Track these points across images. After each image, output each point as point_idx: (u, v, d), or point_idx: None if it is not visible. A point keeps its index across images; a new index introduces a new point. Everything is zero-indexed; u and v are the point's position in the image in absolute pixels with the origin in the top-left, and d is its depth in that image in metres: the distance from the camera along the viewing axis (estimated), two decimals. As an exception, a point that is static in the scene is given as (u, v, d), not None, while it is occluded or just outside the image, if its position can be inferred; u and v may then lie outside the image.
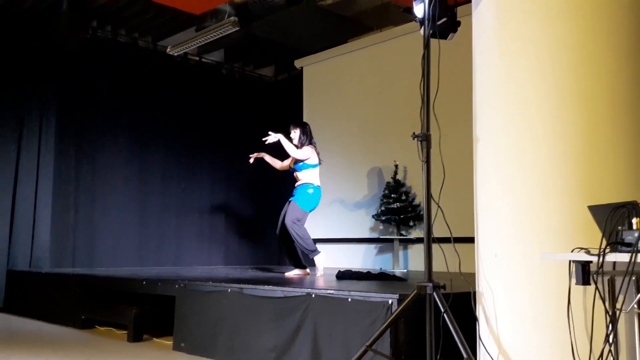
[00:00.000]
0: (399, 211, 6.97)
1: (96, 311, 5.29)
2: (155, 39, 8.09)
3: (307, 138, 5.51)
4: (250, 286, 3.84)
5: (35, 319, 5.80)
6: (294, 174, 5.56)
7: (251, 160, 5.72)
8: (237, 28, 6.70)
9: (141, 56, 7.95)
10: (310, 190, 5.40)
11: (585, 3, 2.56)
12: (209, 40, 7.13)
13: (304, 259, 5.45)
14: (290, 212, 5.33)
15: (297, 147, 5.46)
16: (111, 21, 7.62)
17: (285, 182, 8.85)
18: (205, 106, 8.45)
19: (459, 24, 3.02)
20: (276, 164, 5.76)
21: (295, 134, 5.53)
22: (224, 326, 3.90)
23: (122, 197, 7.57)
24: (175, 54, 7.78)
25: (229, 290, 3.95)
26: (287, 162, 5.71)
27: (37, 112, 7.08)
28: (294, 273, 5.36)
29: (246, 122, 8.77)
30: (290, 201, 5.43)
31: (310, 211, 5.46)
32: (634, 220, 2.01)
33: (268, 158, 5.72)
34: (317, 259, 5.33)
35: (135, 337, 4.61)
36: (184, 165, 8.26)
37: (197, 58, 8.56)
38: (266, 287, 3.74)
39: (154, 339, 4.69)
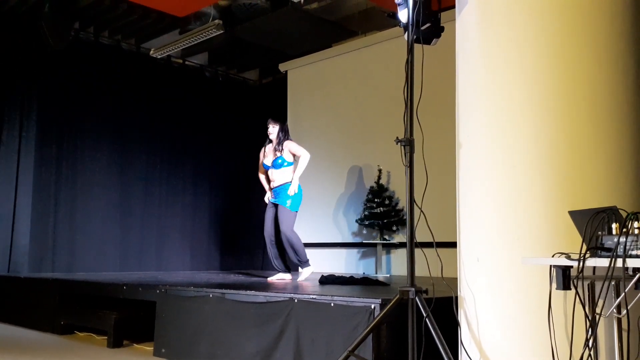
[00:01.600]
0: (382, 216, 6.98)
1: (76, 316, 5.21)
2: (138, 41, 8.03)
3: (285, 135, 5.40)
4: (232, 291, 3.81)
5: (14, 324, 5.70)
6: (269, 171, 5.40)
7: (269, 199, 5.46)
8: (221, 31, 6.68)
9: (124, 58, 7.89)
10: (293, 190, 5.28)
11: (568, 7, 2.58)
12: (192, 43, 7.10)
13: (289, 262, 5.41)
14: (285, 220, 5.20)
15: (276, 142, 5.35)
16: (94, 23, 7.55)
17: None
18: (188, 109, 8.40)
19: (442, 29, 3.04)
20: (264, 180, 5.55)
21: (274, 129, 5.40)
22: (206, 332, 3.87)
23: (103, 201, 7.48)
24: (159, 57, 7.73)
25: (211, 296, 3.91)
26: (264, 169, 5.53)
27: (17, 114, 6.98)
28: (277, 278, 5.32)
29: (230, 125, 8.74)
30: (277, 205, 5.30)
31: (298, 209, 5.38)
32: (614, 226, 2.03)
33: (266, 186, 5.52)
34: (306, 269, 5.29)
35: (115, 342, 4.54)
36: (166, 168, 8.20)
37: (181, 61, 8.52)
38: (248, 292, 3.71)
39: (135, 344, 4.63)
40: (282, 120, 5.59)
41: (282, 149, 5.33)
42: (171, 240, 8.14)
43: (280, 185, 5.32)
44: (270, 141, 5.45)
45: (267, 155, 5.45)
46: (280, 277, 5.32)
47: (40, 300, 5.55)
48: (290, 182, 5.28)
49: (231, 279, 5.58)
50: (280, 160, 5.31)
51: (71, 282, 5.54)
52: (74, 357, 4.24)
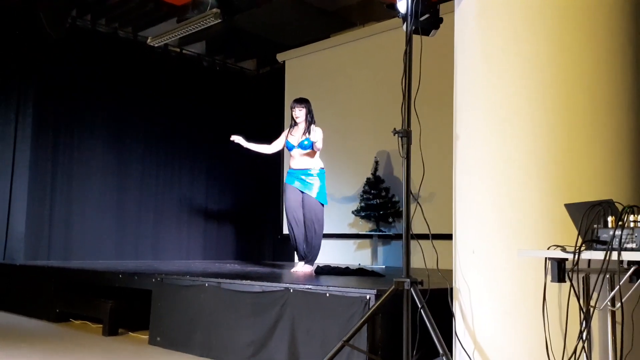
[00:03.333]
0: (379, 207, 6.98)
1: (71, 304, 5.21)
2: (135, 30, 7.99)
3: (312, 117, 5.13)
4: (228, 280, 3.81)
5: (9, 311, 5.70)
6: (293, 152, 5.11)
7: (232, 138, 5.24)
8: (219, 20, 6.62)
9: (121, 47, 7.84)
10: (317, 178, 5.03)
11: (567, 2, 2.58)
12: (190, 32, 7.05)
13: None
14: (319, 217, 5.00)
15: (306, 126, 5.08)
16: (91, 10, 7.50)
17: (265, 177, 8.85)
18: (185, 98, 8.37)
19: (441, 20, 3.03)
20: (264, 149, 5.32)
21: (302, 112, 5.11)
22: (201, 321, 3.88)
23: (99, 189, 7.47)
24: (156, 45, 7.67)
25: (207, 285, 3.92)
26: (280, 143, 5.28)
27: (13, 102, 6.94)
28: (301, 268, 5.06)
29: (227, 115, 8.72)
30: (303, 193, 5.02)
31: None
32: (609, 219, 2.03)
33: (252, 146, 5.27)
34: (308, 265, 5.08)
35: (111, 331, 4.55)
36: (162, 158, 8.19)
37: (178, 49, 8.48)
38: (244, 281, 3.72)
39: (130, 333, 4.64)
40: (307, 101, 5.22)
41: (310, 132, 5.06)
42: (167, 229, 8.13)
43: (303, 169, 5.06)
44: (296, 124, 5.17)
45: (294, 136, 5.16)
46: (302, 266, 5.09)
47: (35, 288, 5.55)
48: (312, 167, 5.03)
49: (227, 269, 5.59)
50: (307, 142, 5.03)
51: (67, 270, 5.54)
52: (69, 345, 4.24)
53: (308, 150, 5.06)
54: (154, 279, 4.34)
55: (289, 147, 5.18)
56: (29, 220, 6.84)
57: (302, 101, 5.20)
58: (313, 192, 5.03)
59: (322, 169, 5.14)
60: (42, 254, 6.93)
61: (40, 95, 7.09)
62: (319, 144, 5.00)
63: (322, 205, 5.09)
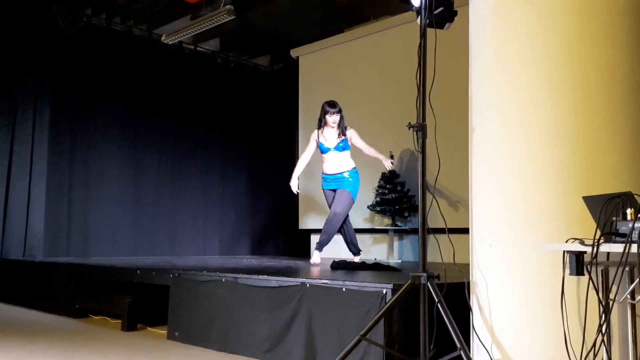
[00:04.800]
0: (394, 202, 6.96)
1: (90, 300, 5.28)
2: (150, 27, 8.03)
3: (343, 120, 5.31)
4: (245, 276, 3.84)
5: (29, 308, 5.79)
6: (329, 155, 5.30)
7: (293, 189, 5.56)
8: (233, 17, 6.65)
9: (136, 44, 7.89)
10: (351, 179, 5.28)
11: (583, -7, 2.55)
12: (204, 29, 7.08)
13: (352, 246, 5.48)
14: (342, 202, 5.18)
15: (339, 128, 5.27)
16: (106, 9, 7.56)
17: (279, 173, 8.86)
18: (200, 95, 8.40)
19: (455, 13, 3.01)
20: (304, 164, 5.52)
21: (338, 116, 5.27)
22: (218, 315, 3.91)
23: (116, 186, 7.54)
24: (170, 43, 7.72)
25: (224, 280, 3.95)
26: (312, 148, 5.44)
27: (31, 100, 7.02)
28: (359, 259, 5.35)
29: (242, 111, 8.75)
30: (335, 190, 5.27)
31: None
32: (628, 211, 2.02)
33: (298, 173, 5.52)
34: (317, 251, 5.33)
35: (130, 326, 4.60)
36: (178, 154, 8.23)
37: (192, 47, 8.51)
38: (261, 276, 3.74)
39: (148, 328, 4.68)
40: (338, 105, 5.42)
41: (345, 133, 5.29)
42: (184, 225, 8.18)
43: (341, 172, 5.28)
44: (324, 125, 5.31)
45: (327, 139, 5.32)
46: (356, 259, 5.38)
47: (55, 284, 5.62)
48: (345, 170, 5.27)
49: (244, 264, 5.62)
50: (342, 144, 5.28)
51: (85, 267, 5.61)
52: (89, 340, 4.30)
53: (344, 152, 5.25)
54: (171, 274, 4.37)
55: (324, 150, 5.32)
56: (48, 217, 6.92)
57: (336, 105, 5.34)
58: (348, 188, 5.26)
59: (355, 168, 5.33)
60: (60, 250, 7.01)
61: (57, 94, 7.16)
62: (363, 146, 5.39)
63: (353, 196, 5.28)
